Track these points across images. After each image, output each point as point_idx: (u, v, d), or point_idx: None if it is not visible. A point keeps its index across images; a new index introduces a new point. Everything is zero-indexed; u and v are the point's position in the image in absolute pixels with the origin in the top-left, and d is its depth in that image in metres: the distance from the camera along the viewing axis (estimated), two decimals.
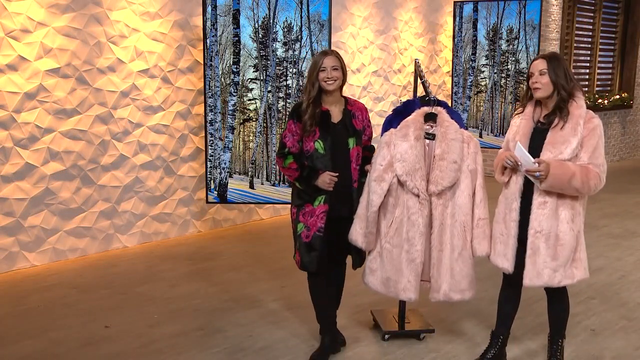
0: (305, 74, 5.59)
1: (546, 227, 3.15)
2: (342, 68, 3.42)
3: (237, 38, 5.52)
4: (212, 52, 5.51)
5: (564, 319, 3.43)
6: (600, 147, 3.12)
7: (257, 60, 5.57)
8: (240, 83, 5.58)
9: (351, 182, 3.48)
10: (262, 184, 5.71)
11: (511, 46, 7.94)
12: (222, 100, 5.59)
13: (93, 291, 4.69)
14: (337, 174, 3.39)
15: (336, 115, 3.47)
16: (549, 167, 3.04)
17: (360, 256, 3.58)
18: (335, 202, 3.43)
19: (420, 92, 3.89)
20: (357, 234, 3.47)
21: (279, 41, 5.56)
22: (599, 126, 3.14)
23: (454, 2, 8.28)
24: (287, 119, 3.51)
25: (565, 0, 9.25)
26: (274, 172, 5.71)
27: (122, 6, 5.50)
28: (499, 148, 8.48)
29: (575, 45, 9.89)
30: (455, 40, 8.22)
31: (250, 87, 5.60)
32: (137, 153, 5.77)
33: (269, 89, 5.62)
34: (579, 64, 10.17)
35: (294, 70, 5.60)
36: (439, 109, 3.49)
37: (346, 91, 7.59)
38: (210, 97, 5.57)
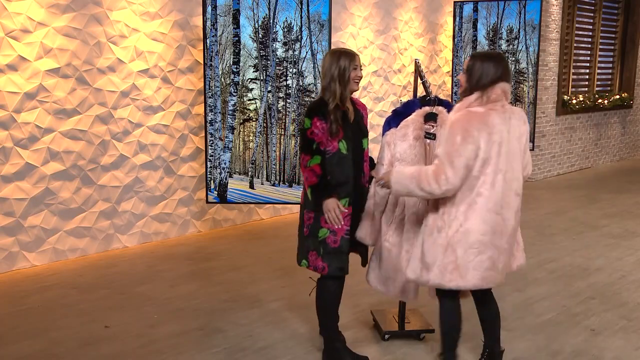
0: (306, 73, 5.60)
1: None
2: None
3: (237, 38, 5.52)
4: (212, 52, 5.51)
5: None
6: (449, 138, 3.03)
7: (257, 60, 5.57)
8: (240, 83, 5.58)
9: (365, 182, 3.49)
10: (262, 184, 5.71)
11: (511, 46, 7.94)
12: (222, 100, 5.59)
13: (93, 291, 4.69)
14: (346, 211, 3.33)
15: (351, 114, 3.43)
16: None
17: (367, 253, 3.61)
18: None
19: (421, 92, 3.89)
20: (366, 233, 3.49)
21: (279, 41, 5.56)
22: (456, 121, 3.03)
23: (454, 2, 8.28)
24: (308, 115, 3.31)
25: (565, 0, 9.25)
26: (274, 172, 5.71)
27: (122, 6, 5.50)
28: None
29: (575, 45, 9.88)
30: (455, 40, 8.22)
31: (250, 87, 5.60)
32: (137, 153, 5.77)
33: (269, 89, 5.62)
34: (579, 64, 10.16)
35: (294, 70, 5.60)
36: (440, 108, 3.49)
37: None
38: (210, 97, 5.57)
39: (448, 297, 3.26)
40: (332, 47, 6.87)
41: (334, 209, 3.26)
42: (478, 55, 3.18)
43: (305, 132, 3.31)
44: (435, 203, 3.12)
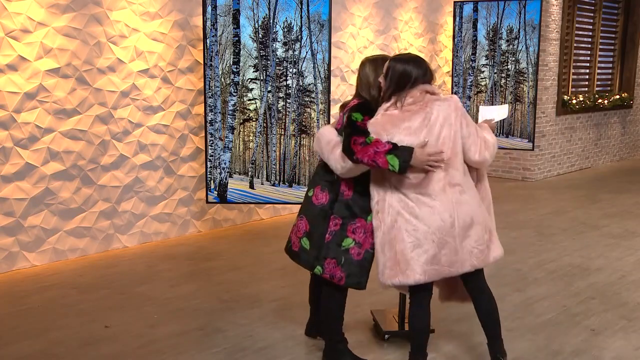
0: (306, 73, 5.60)
1: None
2: None
3: (237, 38, 5.52)
4: (212, 52, 5.51)
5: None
6: None
7: (257, 60, 5.57)
8: (240, 83, 5.59)
9: None
10: (262, 184, 5.71)
11: (511, 46, 7.94)
12: (222, 100, 5.59)
13: (93, 291, 4.69)
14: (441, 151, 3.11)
15: None
16: None
17: None
18: None
19: None
20: None
21: (279, 41, 5.56)
22: (371, 123, 3.18)
23: (454, 2, 8.28)
24: (360, 111, 3.16)
25: (565, 0, 9.25)
26: (274, 172, 5.71)
27: (122, 6, 5.50)
28: (503, 148, 8.46)
29: (575, 45, 9.88)
30: (455, 40, 8.22)
31: (250, 87, 5.60)
32: (137, 153, 5.77)
33: (269, 89, 5.62)
34: (579, 64, 10.16)
35: (294, 70, 5.60)
36: None
37: (346, 91, 7.61)
38: (210, 97, 5.57)
39: (415, 301, 3.31)
40: (332, 47, 6.88)
41: (428, 153, 3.02)
42: (397, 58, 3.22)
43: (355, 122, 3.14)
44: (373, 204, 3.25)
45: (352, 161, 3.11)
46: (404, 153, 3.03)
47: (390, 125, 3.11)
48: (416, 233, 3.12)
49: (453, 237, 3.14)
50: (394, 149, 3.03)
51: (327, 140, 3.29)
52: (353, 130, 3.13)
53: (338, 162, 3.20)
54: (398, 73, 3.14)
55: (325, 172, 3.36)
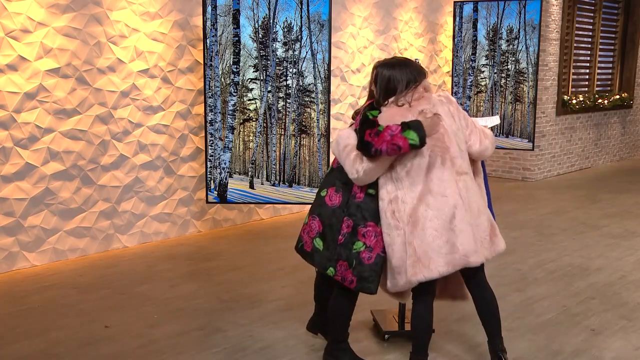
0: (306, 73, 5.60)
1: None
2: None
3: (237, 38, 5.52)
4: (212, 52, 5.51)
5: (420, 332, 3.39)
6: None
7: (257, 60, 5.58)
8: (240, 83, 5.59)
9: None
10: (262, 184, 5.72)
11: (511, 46, 7.94)
12: (222, 100, 5.59)
13: (93, 291, 4.69)
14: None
15: None
16: None
17: None
18: None
19: None
20: None
21: (279, 41, 5.56)
22: (379, 117, 3.24)
23: (454, 2, 8.28)
24: (373, 111, 3.21)
25: (565, 0, 9.25)
26: (274, 172, 5.72)
27: (122, 6, 5.50)
28: (502, 148, 8.43)
29: (575, 45, 9.88)
30: (455, 40, 8.22)
31: (250, 87, 5.60)
32: (137, 153, 5.77)
33: (269, 89, 5.62)
34: (579, 64, 10.16)
35: (294, 70, 5.61)
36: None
37: (346, 91, 7.61)
38: (210, 97, 5.57)
39: (419, 302, 3.29)
40: (332, 47, 6.88)
41: (432, 119, 3.13)
42: (383, 64, 3.25)
43: (370, 118, 3.18)
44: (384, 206, 3.21)
45: (371, 155, 3.11)
46: (416, 125, 3.09)
47: (400, 117, 3.13)
48: (435, 226, 3.12)
49: (469, 224, 3.16)
50: (406, 125, 3.08)
51: (345, 145, 3.27)
52: (366, 124, 3.17)
53: (353, 166, 3.17)
54: (385, 79, 3.19)
55: (341, 172, 3.32)
